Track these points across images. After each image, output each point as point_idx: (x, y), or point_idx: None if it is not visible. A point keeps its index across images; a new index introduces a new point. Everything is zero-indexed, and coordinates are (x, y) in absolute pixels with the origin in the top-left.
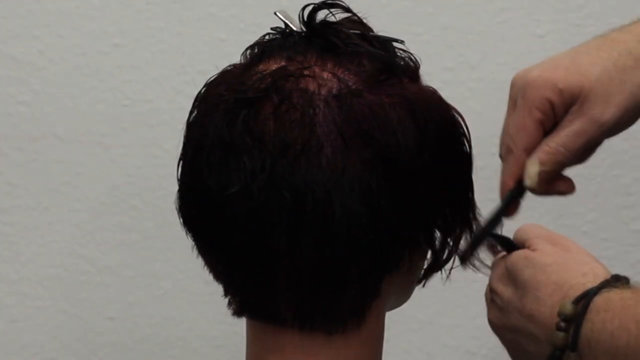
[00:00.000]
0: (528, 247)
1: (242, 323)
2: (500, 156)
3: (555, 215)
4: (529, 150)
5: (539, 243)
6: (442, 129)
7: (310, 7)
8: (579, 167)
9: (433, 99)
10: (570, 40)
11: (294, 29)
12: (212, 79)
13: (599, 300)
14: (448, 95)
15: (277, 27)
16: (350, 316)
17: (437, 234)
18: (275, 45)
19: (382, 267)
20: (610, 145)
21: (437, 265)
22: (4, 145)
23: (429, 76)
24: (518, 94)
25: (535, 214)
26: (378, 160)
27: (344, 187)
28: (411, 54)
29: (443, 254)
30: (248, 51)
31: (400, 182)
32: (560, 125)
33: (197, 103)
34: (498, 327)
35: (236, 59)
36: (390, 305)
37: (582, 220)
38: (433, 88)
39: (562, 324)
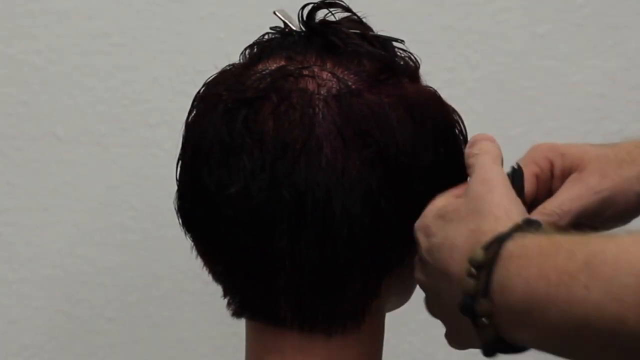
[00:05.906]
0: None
1: (241, 324)
2: None
3: None
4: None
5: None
6: (442, 129)
7: (309, 7)
8: None
9: (433, 99)
10: (570, 40)
11: (294, 28)
12: (211, 78)
13: (512, 246)
14: (448, 95)
15: (276, 27)
16: (350, 317)
17: None
18: (274, 44)
19: (383, 267)
20: None
21: None
22: (4, 145)
23: (429, 76)
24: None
25: None
26: (378, 160)
27: (344, 187)
28: (411, 53)
29: None
30: (247, 51)
31: (400, 181)
32: (558, 191)
33: (196, 103)
34: (421, 283)
35: (235, 58)
36: (390, 306)
37: None
38: (433, 88)
39: (473, 270)
